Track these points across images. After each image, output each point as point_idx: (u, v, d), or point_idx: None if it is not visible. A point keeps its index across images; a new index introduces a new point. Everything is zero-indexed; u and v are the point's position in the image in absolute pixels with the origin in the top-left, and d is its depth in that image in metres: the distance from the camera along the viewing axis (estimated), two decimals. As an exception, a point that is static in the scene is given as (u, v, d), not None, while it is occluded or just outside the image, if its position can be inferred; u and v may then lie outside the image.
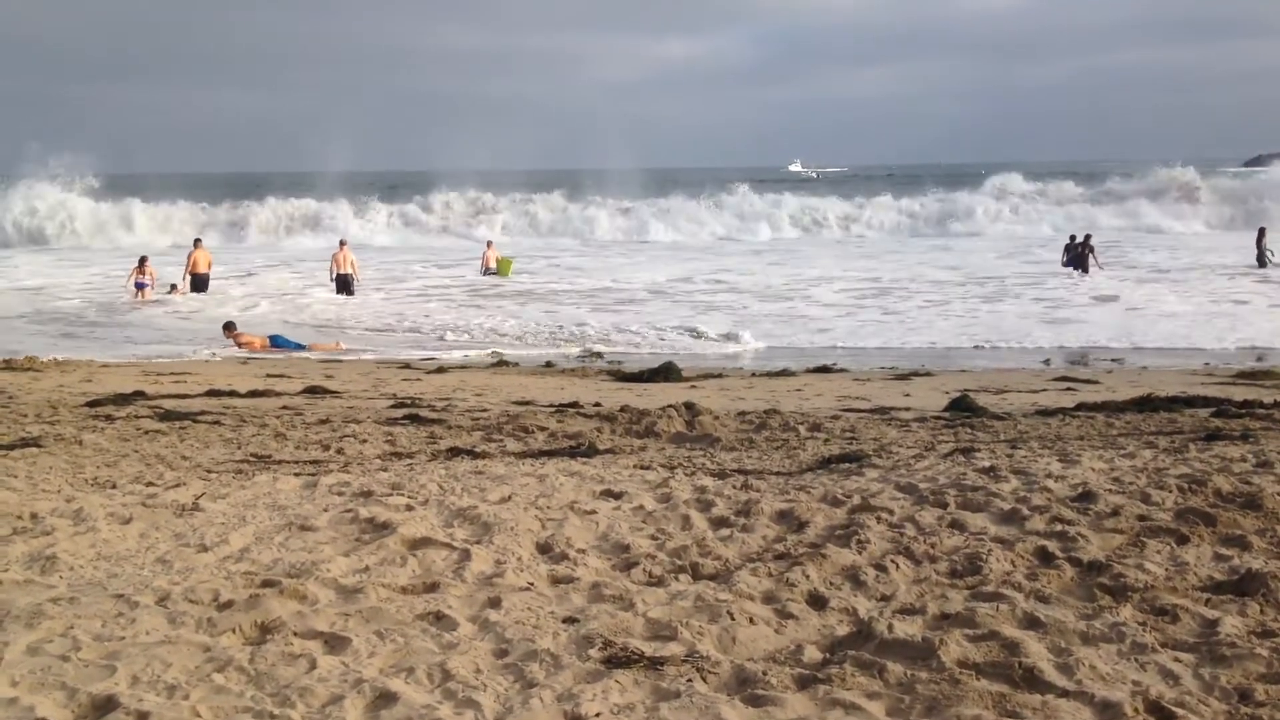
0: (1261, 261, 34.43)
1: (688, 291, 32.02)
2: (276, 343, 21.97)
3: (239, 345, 21.62)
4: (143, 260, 30.40)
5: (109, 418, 11.51)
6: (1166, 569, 5.30)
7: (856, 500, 6.74)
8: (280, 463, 9.05)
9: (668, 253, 46.15)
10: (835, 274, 35.72)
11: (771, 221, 57.00)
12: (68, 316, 27.10)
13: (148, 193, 59.39)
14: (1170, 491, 6.61)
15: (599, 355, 20.79)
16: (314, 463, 9.03)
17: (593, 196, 60.27)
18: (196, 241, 32.54)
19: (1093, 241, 34.75)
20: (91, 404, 12.73)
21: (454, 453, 9.55)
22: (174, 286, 30.37)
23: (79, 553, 5.92)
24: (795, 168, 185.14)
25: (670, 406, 11.46)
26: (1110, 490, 6.72)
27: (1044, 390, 15.35)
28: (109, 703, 4.00)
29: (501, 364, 19.53)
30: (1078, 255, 33.66)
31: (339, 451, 9.68)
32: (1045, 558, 5.55)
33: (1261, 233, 35.88)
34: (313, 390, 14.85)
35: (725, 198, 60.26)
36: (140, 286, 29.47)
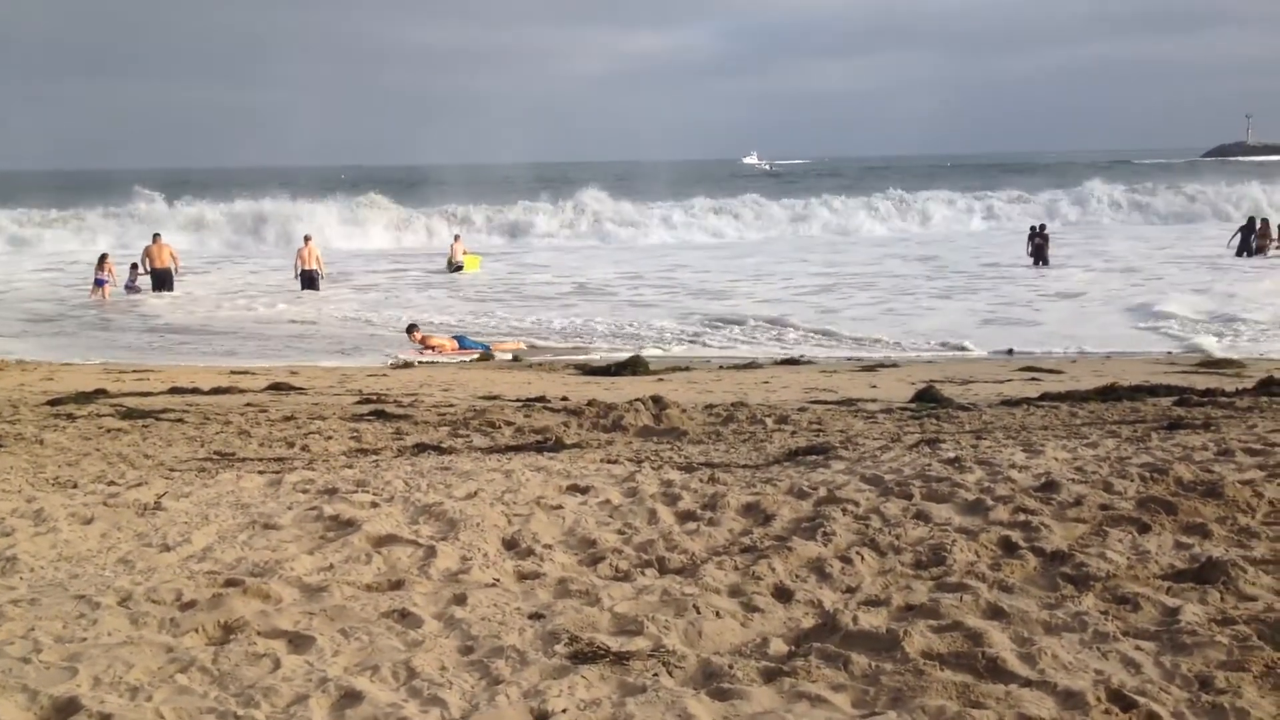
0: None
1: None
2: (464, 344, 20.45)
3: (428, 348, 19.98)
4: (103, 257, 30.15)
5: (70, 416, 11.40)
6: (1128, 558, 5.34)
7: (823, 492, 6.76)
8: (244, 460, 8.99)
9: (708, 252, 43.18)
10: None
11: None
12: (186, 326, 24.60)
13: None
14: (1132, 480, 6.67)
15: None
16: (278, 460, 8.97)
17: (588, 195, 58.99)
18: (155, 236, 32.22)
19: (1047, 231, 34.95)
20: (53, 403, 12.60)
21: (420, 449, 9.52)
22: (134, 266, 30.17)
23: (40, 553, 5.86)
24: (750, 160, 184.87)
25: (637, 400, 11.46)
26: (1073, 480, 6.77)
27: (1009, 380, 15.44)
28: (71, 705, 3.96)
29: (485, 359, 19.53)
30: (1037, 246, 33.68)
31: (304, 449, 9.62)
32: (1009, 548, 5.59)
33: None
34: (277, 387, 14.75)
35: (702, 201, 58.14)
36: (100, 283, 29.23)
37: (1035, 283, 29.52)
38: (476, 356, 19.73)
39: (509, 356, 19.83)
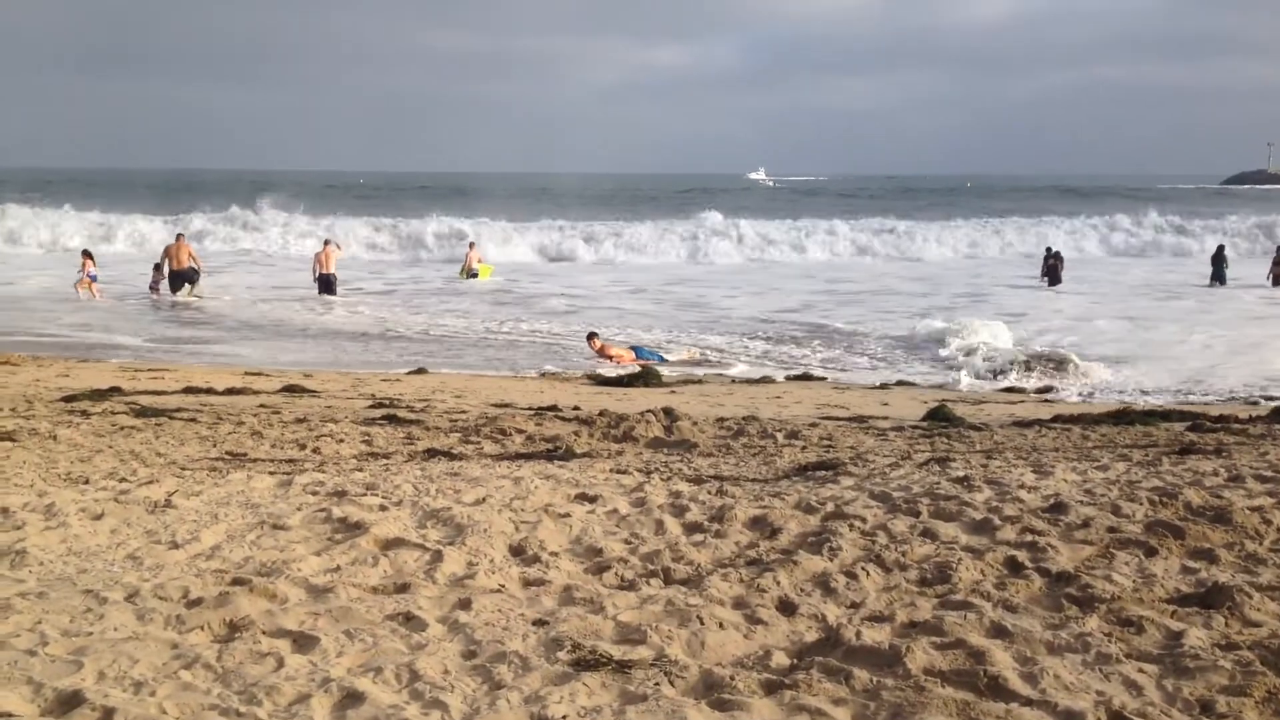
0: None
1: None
2: (640, 354, 20.11)
3: (606, 357, 19.69)
4: (87, 254, 30.01)
5: (84, 413, 11.47)
6: (1134, 581, 5.33)
7: (830, 508, 6.76)
8: (255, 461, 9.04)
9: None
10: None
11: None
12: (367, 331, 24.16)
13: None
14: (1141, 504, 6.65)
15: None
16: (289, 461, 9.01)
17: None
18: (178, 236, 32.27)
19: (1060, 254, 35.57)
20: (67, 399, 12.67)
21: (430, 454, 9.55)
22: (157, 266, 30.21)
23: (49, 547, 5.90)
24: (756, 176, 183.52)
25: (649, 411, 11.48)
26: (1082, 502, 6.75)
27: (1022, 401, 15.43)
28: (75, 698, 3.98)
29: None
30: (1050, 267, 34.28)
31: (315, 451, 9.66)
32: (1014, 567, 5.58)
33: None
34: (291, 389, 14.81)
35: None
36: (92, 279, 29.02)
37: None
38: (654, 365, 19.30)
39: (687, 364, 19.34)
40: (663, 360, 19.84)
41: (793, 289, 33.85)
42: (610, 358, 19.67)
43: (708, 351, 21.41)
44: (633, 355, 19.96)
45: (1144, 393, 16.59)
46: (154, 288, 29.90)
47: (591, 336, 20.60)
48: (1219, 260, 34.72)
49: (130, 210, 54.76)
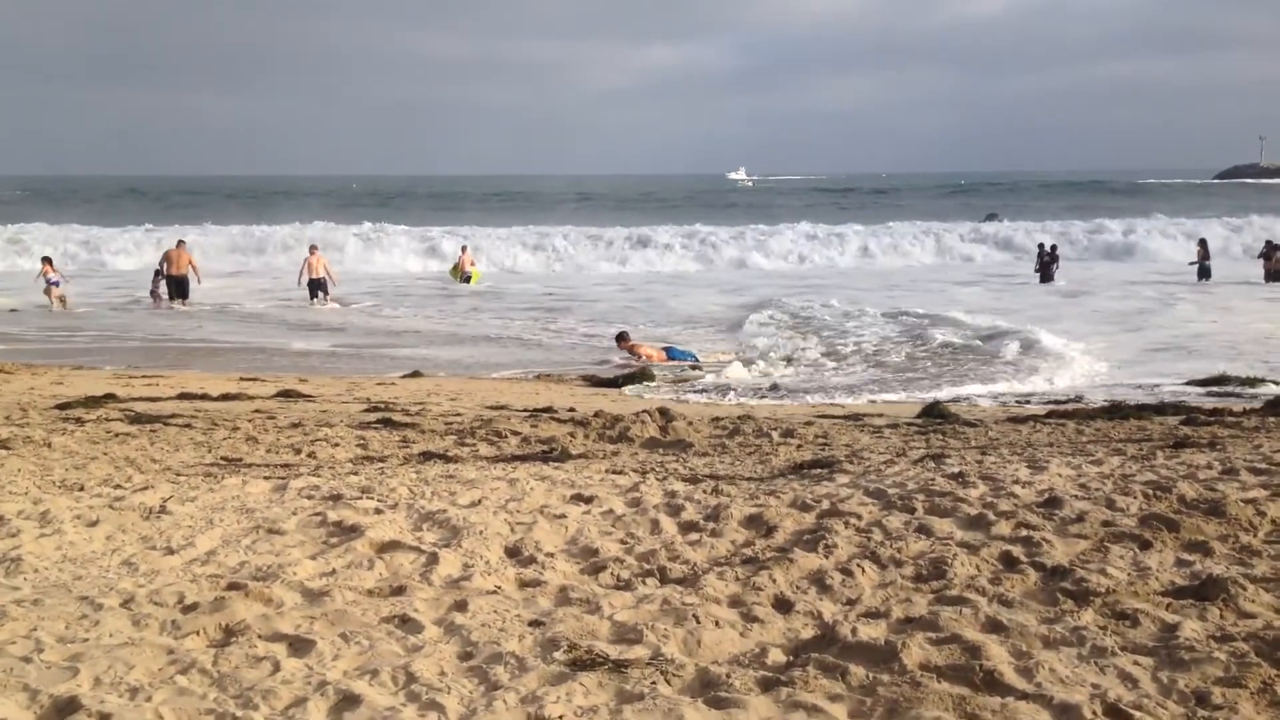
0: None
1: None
2: (673, 354, 19.88)
3: (636, 357, 19.47)
4: (47, 260, 29.51)
5: (79, 420, 11.45)
6: (1129, 574, 5.35)
7: (825, 505, 6.77)
8: (251, 466, 9.03)
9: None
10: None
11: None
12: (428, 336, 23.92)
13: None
14: (1135, 498, 6.67)
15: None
16: (285, 466, 9.01)
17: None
18: (179, 242, 31.90)
19: (1057, 251, 35.57)
20: (61, 406, 12.65)
21: (426, 457, 9.55)
22: (158, 272, 30.11)
23: (44, 554, 5.90)
24: (737, 176, 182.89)
25: (644, 412, 11.48)
26: (1076, 496, 6.77)
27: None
28: (71, 704, 3.98)
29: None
30: (1044, 264, 34.29)
31: (310, 455, 9.65)
32: (1009, 562, 5.59)
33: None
34: (286, 394, 14.79)
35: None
36: (55, 284, 28.59)
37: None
38: (687, 366, 19.07)
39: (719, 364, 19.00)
40: (697, 361, 19.63)
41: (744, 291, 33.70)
42: (641, 356, 19.48)
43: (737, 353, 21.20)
44: (664, 355, 19.75)
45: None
46: (155, 294, 29.81)
47: (622, 336, 20.45)
48: (1202, 255, 34.72)
49: (136, 220, 54.42)
